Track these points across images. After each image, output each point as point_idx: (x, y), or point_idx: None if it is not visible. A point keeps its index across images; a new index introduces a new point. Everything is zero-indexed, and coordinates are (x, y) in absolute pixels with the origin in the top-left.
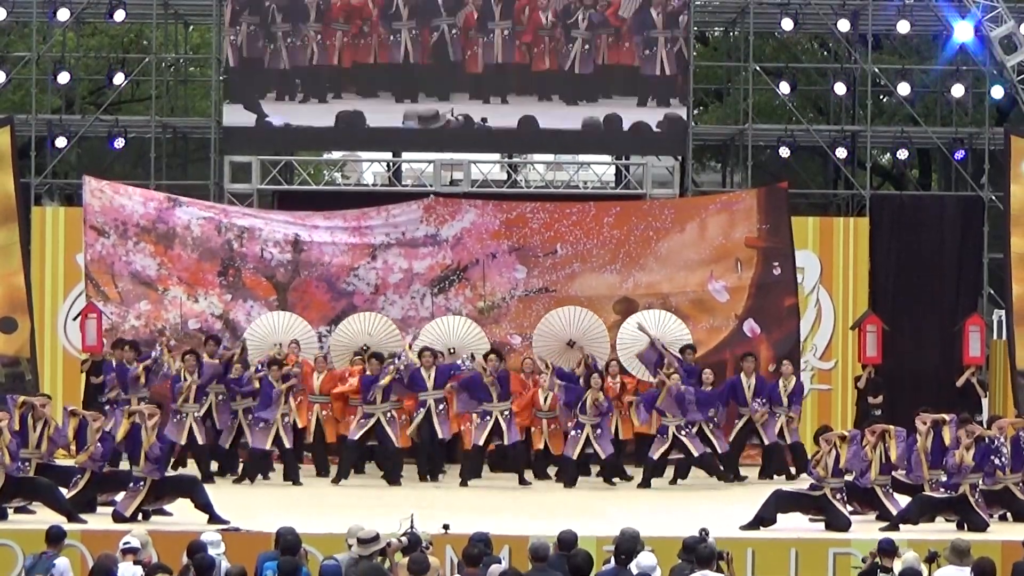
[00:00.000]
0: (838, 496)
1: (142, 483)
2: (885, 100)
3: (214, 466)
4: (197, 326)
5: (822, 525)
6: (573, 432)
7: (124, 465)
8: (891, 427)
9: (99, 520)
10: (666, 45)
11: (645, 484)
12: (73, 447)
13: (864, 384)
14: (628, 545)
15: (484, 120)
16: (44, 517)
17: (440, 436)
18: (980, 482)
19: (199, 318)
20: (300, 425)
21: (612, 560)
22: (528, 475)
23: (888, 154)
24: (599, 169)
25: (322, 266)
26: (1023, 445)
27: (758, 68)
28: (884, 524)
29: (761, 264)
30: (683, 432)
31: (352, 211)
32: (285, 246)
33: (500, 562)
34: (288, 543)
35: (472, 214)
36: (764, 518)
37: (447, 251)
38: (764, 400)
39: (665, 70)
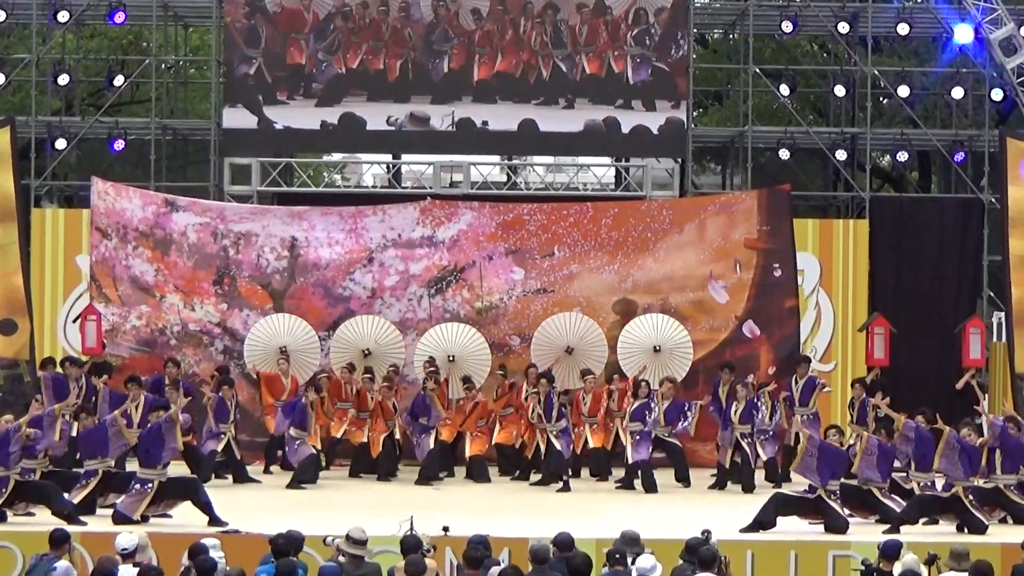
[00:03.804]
0: (832, 498)
1: (149, 485)
2: (885, 102)
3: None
4: (197, 329)
5: (821, 527)
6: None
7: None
8: (902, 418)
9: (99, 522)
10: (666, 48)
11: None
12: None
13: (869, 385)
14: (617, 547)
15: (485, 123)
16: (44, 519)
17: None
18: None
19: (198, 324)
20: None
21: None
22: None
23: (888, 156)
24: (599, 171)
25: (318, 271)
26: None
27: (758, 70)
28: (886, 527)
29: (761, 265)
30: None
31: (349, 208)
32: (282, 251)
33: (500, 564)
34: (279, 547)
35: (469, 216)
36: (763, 521)
37: (444, 252)
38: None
39: (664, 73)
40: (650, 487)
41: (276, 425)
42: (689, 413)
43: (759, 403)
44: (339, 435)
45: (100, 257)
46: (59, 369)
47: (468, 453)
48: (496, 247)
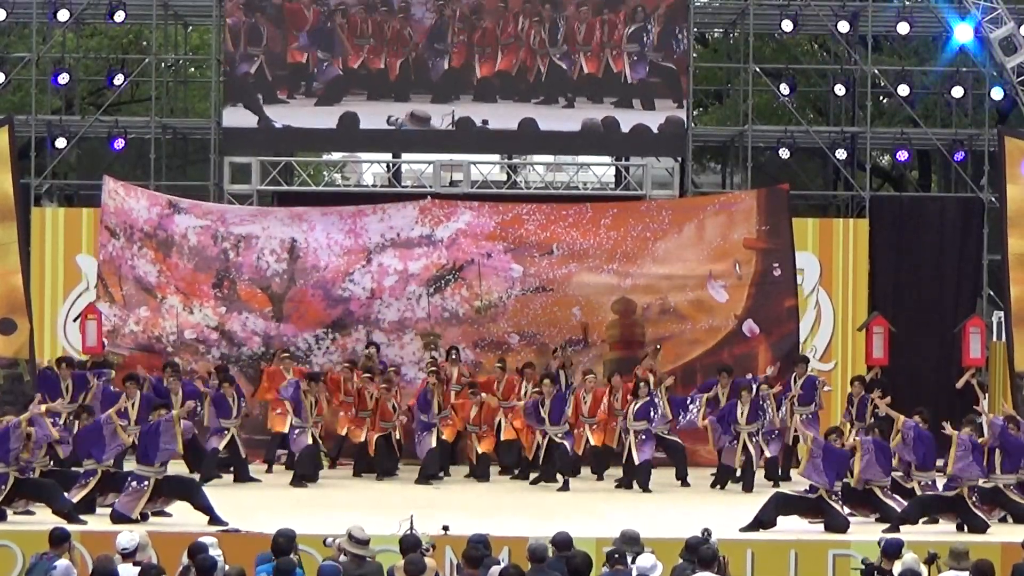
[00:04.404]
0: (833, 497)
1: (146, 482)
2: (885, 101)
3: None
4: (194, 336)
5: (821, 527)
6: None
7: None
8: (901, 418)
9: (99, 521)
10: (666, 47)
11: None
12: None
13: (868, 383)
14: (617, 547)
15: (485, 122)
16: (43, 518)
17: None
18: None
19: (195, 329)
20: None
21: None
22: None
23: (888, 155)
24: (599, 170)
25: (317, 273)
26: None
27: (758, 69)
28: (886, 526)
29: (760, 265)
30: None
31: (348, 208)
32: (281, 253)
33: (500, 563)
34: (279, 545)
35: (468, 215)
36: (763, 520)
37: (442, 251)
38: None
39: (664, 72)
40: (644, 485)
41: (280, 391)
42: (692, 406)
43: (764, 403)
44: (343, 432)
45: (107, 256)
46: (54, 367)
47: (479, 450)
48: (495, 246)
